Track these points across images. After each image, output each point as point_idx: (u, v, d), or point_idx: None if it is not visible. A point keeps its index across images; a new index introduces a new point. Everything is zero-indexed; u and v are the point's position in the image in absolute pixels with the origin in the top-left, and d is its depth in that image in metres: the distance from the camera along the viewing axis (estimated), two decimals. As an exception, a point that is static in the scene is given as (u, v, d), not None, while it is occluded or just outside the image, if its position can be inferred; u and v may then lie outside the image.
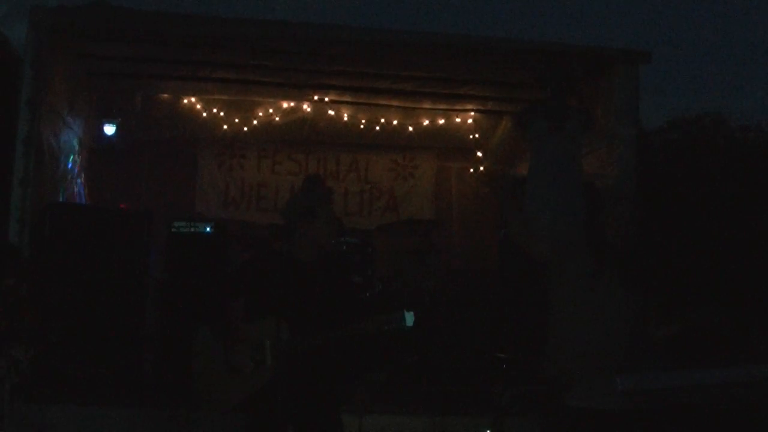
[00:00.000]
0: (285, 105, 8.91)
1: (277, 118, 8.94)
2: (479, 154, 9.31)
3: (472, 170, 9.45)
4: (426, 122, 9.07)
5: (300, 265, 3.96)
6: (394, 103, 8.83)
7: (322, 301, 3.90)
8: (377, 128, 9.03)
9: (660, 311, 3.65)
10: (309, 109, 8.92)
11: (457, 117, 9.12)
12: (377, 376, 6.01)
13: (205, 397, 3.97)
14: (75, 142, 7.53)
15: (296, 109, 8.93)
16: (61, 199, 6.96)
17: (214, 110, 8.84)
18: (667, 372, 2.84)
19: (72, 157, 7.44)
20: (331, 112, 8.93)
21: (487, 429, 4.90)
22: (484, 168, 9.34)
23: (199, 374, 3.94)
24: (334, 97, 8.69)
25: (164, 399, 5.57)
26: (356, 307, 4.21)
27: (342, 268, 4.32)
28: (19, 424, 4.88)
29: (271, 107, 8.92)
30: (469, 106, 8.94)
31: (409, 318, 3.74)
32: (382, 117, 9.03)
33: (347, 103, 8.86)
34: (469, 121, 9.15)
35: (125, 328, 6.26)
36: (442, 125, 9.13)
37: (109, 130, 8.30)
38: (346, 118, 8.98)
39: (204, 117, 8.84)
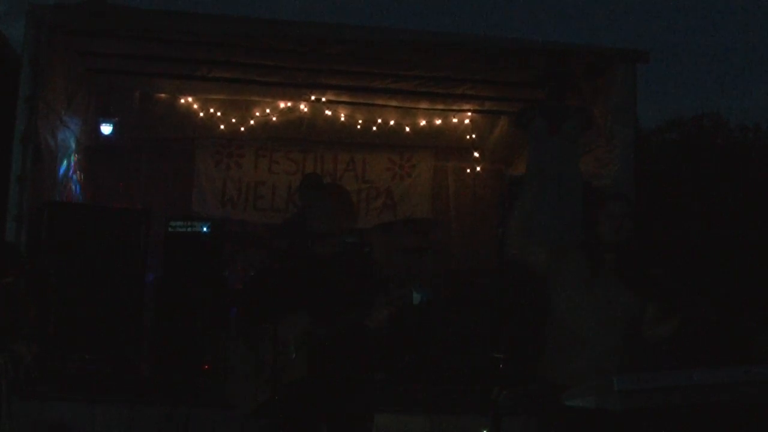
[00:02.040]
0: (282, 104, 8.91)
1: (275, 118, 8.94)
2: (476, 154, 9.31)
3: (469, 170, 9.45)
4: (423, 122, 9.08)
5: (320, 259, 3.94)
6: (392, 102, 8.82)
7: (346, 291, 3.89)
8: (374, 128, 9.02)
9: (658, 311, 3.64)
10: (306, 109, 8.91)
11: (455, 117, 9.13)
12: (377, 375, 6.00)
13: (237, 402, 3.86)
14: (72, 141, 7.52)
15: (293, 109, 8.92)
16: (58, 198, 6.94)
17: (212, 110, 8.84)
18: (665, 372, 2.83)
19: (69, 155, 7.42)
20: (329, 112, 8.92)
21: (485, 429, 4.90)
22: (481, 168, 9.34)
23: (236, 387, 3.85)
24: (331, 97, 8.68)
25: (163, 397, 5.56)
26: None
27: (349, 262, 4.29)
28: (16, 420, 4.87)
29: (268, 107, 8.91)
30: (467, 106, 8.94)
31: (416, 298, 3.72)
32: (380, 117, 9.02)
33: (345, 102, 8.84)
34: (467, 120, 9.16)
35: (123, 326, 6.26)
36: (439, 125, 9.14)
37: (107, 129, 8.29)
38: (343, 118, 8.97)
39: (201, 116, 8.84)
